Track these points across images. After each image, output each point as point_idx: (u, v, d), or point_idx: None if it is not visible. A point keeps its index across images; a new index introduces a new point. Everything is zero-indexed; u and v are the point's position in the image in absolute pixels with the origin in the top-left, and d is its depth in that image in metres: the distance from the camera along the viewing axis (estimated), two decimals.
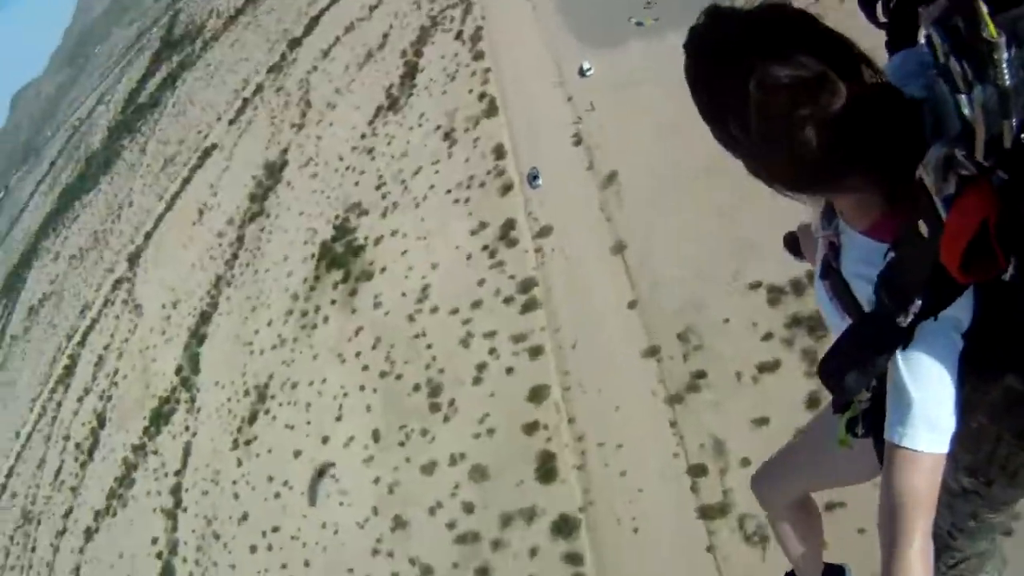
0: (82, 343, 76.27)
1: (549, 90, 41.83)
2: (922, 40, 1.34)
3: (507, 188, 38.74)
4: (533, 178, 37.91)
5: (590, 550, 25.99)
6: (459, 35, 51.65)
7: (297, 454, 39.12)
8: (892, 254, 1.37)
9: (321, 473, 37.03)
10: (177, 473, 48.65)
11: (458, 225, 38.61)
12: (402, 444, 34.21)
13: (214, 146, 74.94)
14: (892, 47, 1.48)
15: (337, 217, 48.34)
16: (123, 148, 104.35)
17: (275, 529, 37.69)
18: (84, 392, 68.27)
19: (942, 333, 1.38)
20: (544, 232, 35.54)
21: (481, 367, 32.79)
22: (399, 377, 36.17)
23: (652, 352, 28.55)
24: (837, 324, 1.58)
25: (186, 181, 75.84)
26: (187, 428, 50.69)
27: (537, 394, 30.49)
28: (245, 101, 74.85)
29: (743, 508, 23.60)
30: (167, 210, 75.77)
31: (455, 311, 35.40)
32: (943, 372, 1.39)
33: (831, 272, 1.59)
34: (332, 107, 58.47)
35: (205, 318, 56.47)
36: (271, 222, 55.89)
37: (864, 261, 1.46)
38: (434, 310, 36.61)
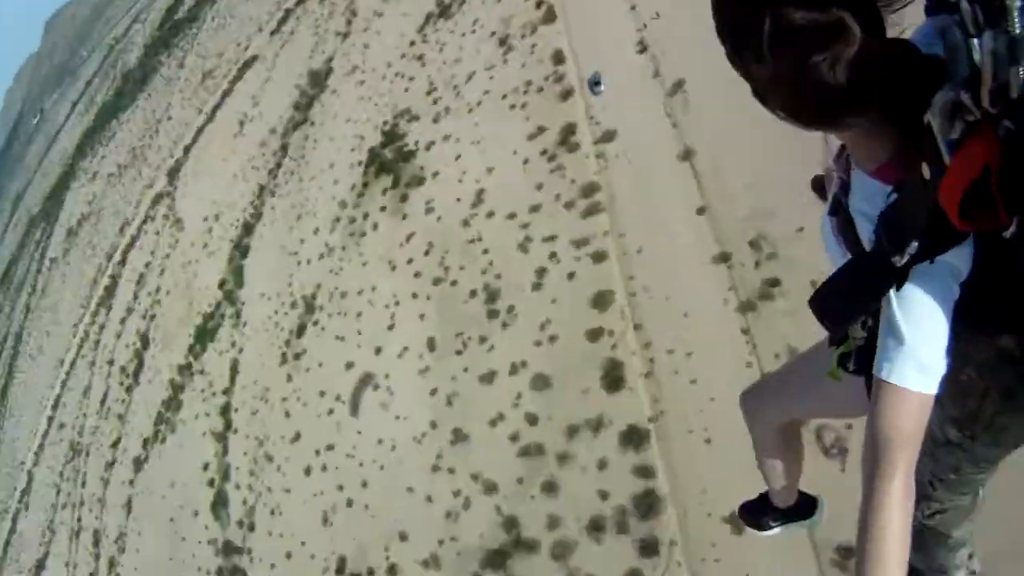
0: (123, 262, 75.16)
1: None
2: None
3: (567, 94, 37.07)
4: (595, 84, 36.17)
5: (661, 461, 25.07)
6: None
7: (349, 366, 38.31)
8: (895, 195, 1.40)
9: (376, 386, 36.27)
10: (225, 392, 47.80)
11: (514, 130, 37.09)
12: (459, 353, 33.34)
13: (255, 57, 72.96)
14: (931, 9, 1.39)
15: (386, 123, 46.86)
16: (160, 64, 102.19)
17: (329, 447, 36.95)
18: (127, 312, 67.47)
19: (938, 277, 1.41)
20: (607, 137, 33.99)
21: (541, 272, 31.70)
22: (454, 283, 35.17)
23: (723, 259, 27.22)
24: (838, 261, 1.61)
25: (226, 93, 73.98)
26: (233, 344, 49.85)
27: (601, 300, 29.39)
28: (287, 12, 72.50)
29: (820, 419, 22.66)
30: (207, 122, 74.10)
31: (512, 215, 34.19)
32: (936, 313, 1.42)
33: (839, 209, 1.65)
34: (379, 15, 56.48)
35: (248, 229, 55.44)
36: (316, 130, 54.39)
37: (869, 201, 1.49)
38: (490, 215, 35.41)
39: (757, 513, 2.90)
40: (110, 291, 74.14)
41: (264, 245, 52.79)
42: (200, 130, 75.13)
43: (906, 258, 1.37)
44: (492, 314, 32.69)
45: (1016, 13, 1.05)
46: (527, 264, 32.19)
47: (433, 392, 33.24)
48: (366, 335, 38.38)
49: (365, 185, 44.99)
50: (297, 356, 42.84)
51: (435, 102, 44.21)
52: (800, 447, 2.64)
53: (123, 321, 67.28)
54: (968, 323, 1.44)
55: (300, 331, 43.68)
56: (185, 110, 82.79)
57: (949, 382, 1.46)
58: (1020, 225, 1.24)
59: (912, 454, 1.42)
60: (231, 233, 57.47)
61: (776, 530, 2.88)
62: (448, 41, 47.01)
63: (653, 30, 36.30)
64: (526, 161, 35.47)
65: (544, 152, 35.16)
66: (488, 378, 31.46)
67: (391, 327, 37.18)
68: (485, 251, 34.37)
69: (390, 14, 55.14)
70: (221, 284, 54.72)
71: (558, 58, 39.00)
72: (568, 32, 40.16)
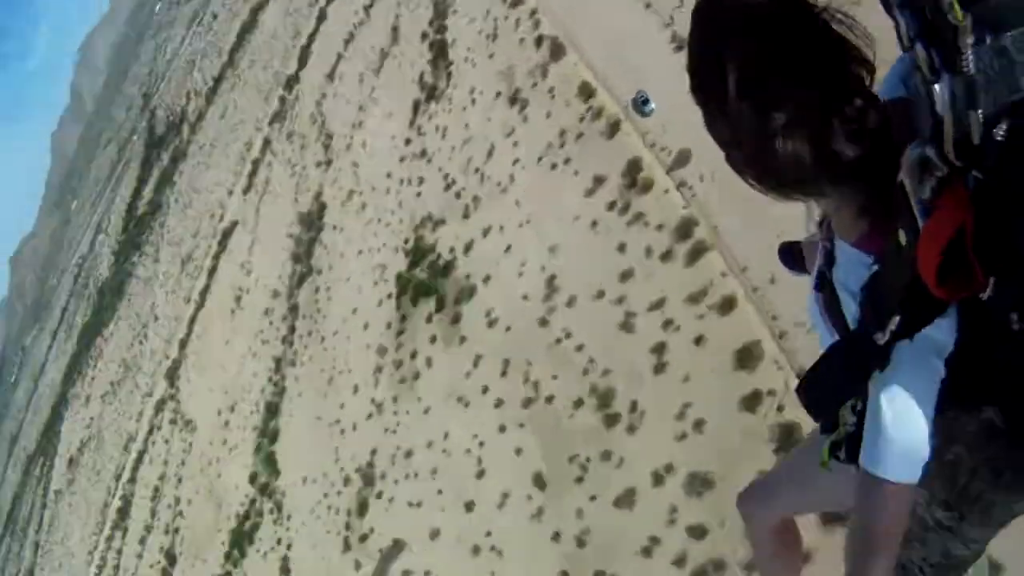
0: (132, 479, 74.08)
1: (618, 1, 37.40)
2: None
3: (613, 128, 34.11)
4: (643, 103, 33.13)
5: None
6: None
7: (435, 535, 34.27)
8: (876, 267, 1.49)
9: (475, 550, 32.10)
10: None
11: (567, 192, 34.03)
12: (579, 480, 29.17)
13: (234, 223, 72.20)
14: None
15: (407, 241, 44.29)
16: (134, 266, 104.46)
17: None
18: (145, 531, 65.55)
19: (922, 358, 1.49)
20: (681, 160, 30.70)
21: (659, 349, 27.77)
22: (550, 399, 31.31)
23: None
24: (826, 342, 1.74)
25: (211, 272, 73.47)
26: (279, 542, 46.47)
27: (746, 356, 25.24)
28: (255, 163, 72.23)
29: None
30: (198, 309, 73.48)
31: (600, 294, 30.57)
32: (920, 399, 1.50)
33: (825, 284, 1.79)
34: (358, 126, 55.15)
35: (272, 410, 52.67)
36: (325, 277, 52.25)
37: (852, 273, 1.60)
38: (570, 302, 31.87)
39: None
40: (123, 512, 72.73)
41: (294, 423, 50.02)
42: (192, 320, 74.20)
43: (888, 335, 1.42)
44: (610, 421, 28.70)
45: (969, 52, 1.10)
46: (638, 345, 28.34)
47: (556, 537, 28.98)
48: (449, 493, 34.46)
49: (403, 319, 41.94)
50: (363, 539, 38.90)
51: (458, 196, 41.55)
52: (799, 542, 2.88)
53: (143, 541, 65.17)
54: (951, 398, 1.48)
55: (362, 509, 39.93)
56: (171, 304, 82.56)
57: (935, 463, 1.52)
58: (996, 286, 1.28)
59: (894, 544, 1.53)
60: (252, 420, 54.86)
61: None
62: (449, 123, 44.89)
63: (683, 20, 33.85)
64: (594, 223, 32.15)
65: (612, 205, 31.86)
66: (626, 500, 27.12)
67: (480, 474, 33.27)
68: (579, 348, 30.65)
69: (371, 121, 53.69)
70: (252, 479, 51.72)
71: (586, 92, 36.29)
72: (586, 59, 37.75)
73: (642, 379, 27.88)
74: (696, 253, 28.29)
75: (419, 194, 45.32)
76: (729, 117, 1.40)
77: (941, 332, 1.46)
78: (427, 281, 40.64)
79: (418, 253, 42.75)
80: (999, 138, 1.13)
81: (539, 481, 30.72)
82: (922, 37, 1.18)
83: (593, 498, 28.32)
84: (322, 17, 72.07)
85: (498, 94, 41.62)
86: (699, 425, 25.92)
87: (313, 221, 56.66)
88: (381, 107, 53.19)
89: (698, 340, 26.72)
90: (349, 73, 61.32)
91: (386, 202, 48.67)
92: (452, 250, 40.35)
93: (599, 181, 33.09)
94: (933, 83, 1.17)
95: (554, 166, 36.00)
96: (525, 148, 38.19)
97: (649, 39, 35.41)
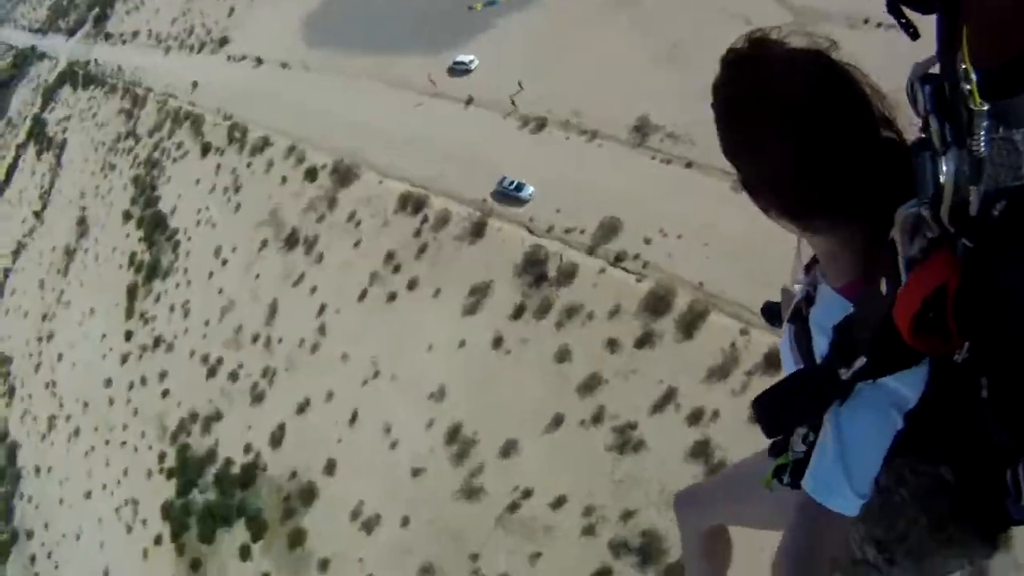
0: None
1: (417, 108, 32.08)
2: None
3: (477, 229, 27.42)
4: (515, 188, 27.20)
5: None
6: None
7: None
8: (851, 310, 1.50)
9: None
10: None
11: (429, 317, 26.43)
12: None
13: None
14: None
15: (163, 458, 33.04)
16: None
17: None
18: None
19: (880, 405, 1.48)
20: (608, 232, 25.25)
21: (702, 450, 20.63)
22: None
23: None
24: (791, 369, 1.71)
25: None
26: None
27: None
28: None
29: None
30: None
31: (556, 422, 22.82)
32: (872, 441, 1.50)
33: (799, 318, 1.74)
34: (48, 339, 46.38)
35: None
36: (42, 541, 39.45)
37: (829, 314, 1.57)
38: (507, 450, 23.51)
39: None
40: None
41: None
42: None
43: (852, 372, 1.42)
44: None
45: (983, 134, 1.13)
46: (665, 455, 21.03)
47: None
48: None
49: (197, 567, 29.93)
50: None
51: (233, 378, 32.21)
52: (728, 550, 2.73)
53: None
54: (911, 446, 1.50)
55: None
56: None
57: (878, 503, 1.54)
58: (971, 350, 1.30)
59: (823, 571, 1.53)
60: None
61: None
62: (190, 297, 36.04)
63: (523, 100, 31.15)
64: (497, 342, 24.75)
65: (520, 311, 24.64)
66: None
67: None
68: (557, 505, 22.44)
69: (65, 328, 44.02)
70: None
71: (410, 204, 29.71)
72: (394, 169, 31.56)
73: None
74: (689, 323, 21.82)
75: (165, 393, 34.29)
76: (769, 181, 1.40)
77: (906, 386, 1.44)
78: (220, 502, 29.11)
79: (189, 468, 31.01)
80: (996, 214, 1.18)
81: None
82: (938, 112, 1.21)
83: None
84: None
85: (264, 242, 33.27)
86: None
87: (2, 472, 44.31)
88: (77, 307, 44.04)
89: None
90: (22, 283, 53.35)
91: (112, 416, 37.36)
92: (249, 449, 29.30)
93: (479, 292, 25.41)
94: (942, 153, 1.19)
95: (392, 296, 27.80)
96: (332, 289, 29.67)
97: (475, 127, 31.10)
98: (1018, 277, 1.18)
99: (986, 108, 1.13)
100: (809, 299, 1.72)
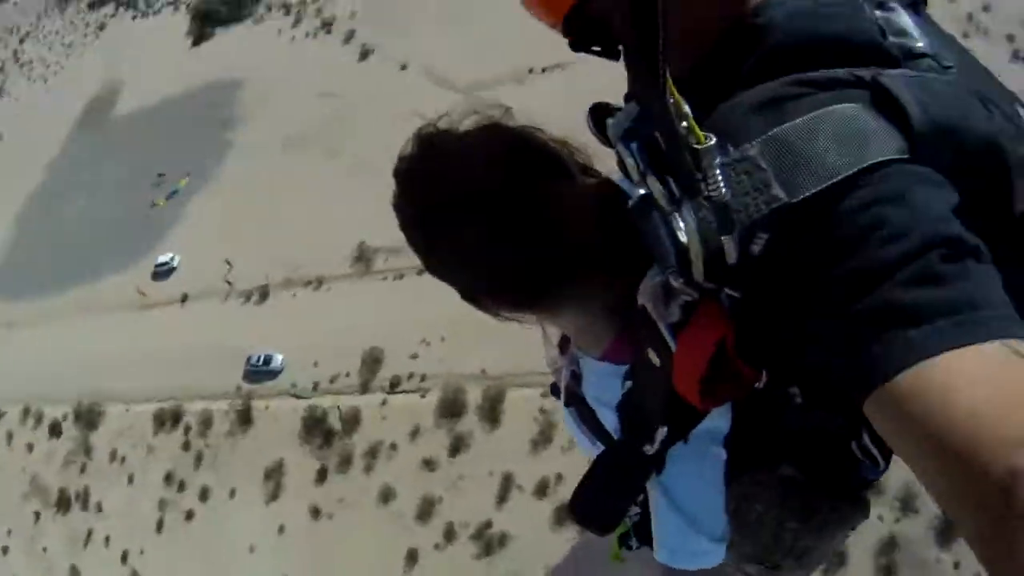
0: None
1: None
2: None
3: (243, 417, 26.45)
4: (265, 363, 26.73)
5: None
6: None
7: None
8: (628, 382, 1.40)
9: None
10: None
11: (249, 518, 25.10)
12: None
13: None
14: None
15: None
16: None
17: None
18: None
19: (698, 450, 1.42)
20: (371, 365, 24.95)
21: None
22: None
23: None
24: (589, 450, 1.62)
25: None
26: None
27: None
28: None
29: None
30: None
31: None
32: (705, 487, 1.44)
33: (575, 399, 1.64)
34: None
35: None
36: None
37: (605, 386, 1.49)
38: None
39: None
40: None
41: None
42: None
43: (657, 445, 1.35)
44: None
45: (719, 172, 0.99)
46: None
47: None
48: None
49: None
50: None
51: None
52: None
53: None
54: (746, 463, 1.44)
55: None
56: None
57: (736, 529, 1.49)
58: (770, 374, 1.23)
59: None
60: None
61: None
62: None
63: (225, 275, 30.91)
64: (324, 515, 23.86)
65: (322, 475, 24.08)
66: None
67: None
68: None
69: None
70: None
71: (168, 420, 28.43)
72: (137, 392, 30.18)
73: None
74: (491, 411, 21.75)
75: None
76: (484, 281, 1.32)
77: (714, 420, 1.36)
78: None
79: None
80: (757, 251, 1.03)
81: None
82: (655, 169, 1.04)
83: None
84: None
85: (37, 514, 31.04)
86: None
87: None
88: None
89: None
90: None
91: None
92: None
93: (274, 474, 24.44)
94: (672, 213, 1.03)
95: (190, 515, 26.17)
96: (125, 533, 27.51)
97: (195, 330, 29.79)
98: (812, 322, 1.02)
99: (713, 141, 1.01)
100: (577, 377, 1.63)
